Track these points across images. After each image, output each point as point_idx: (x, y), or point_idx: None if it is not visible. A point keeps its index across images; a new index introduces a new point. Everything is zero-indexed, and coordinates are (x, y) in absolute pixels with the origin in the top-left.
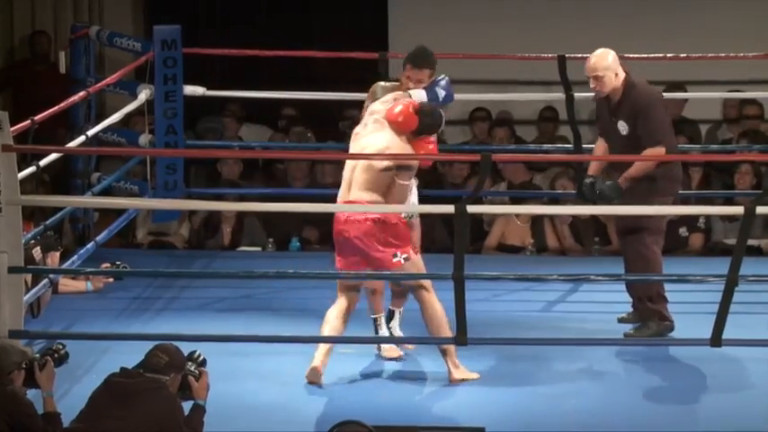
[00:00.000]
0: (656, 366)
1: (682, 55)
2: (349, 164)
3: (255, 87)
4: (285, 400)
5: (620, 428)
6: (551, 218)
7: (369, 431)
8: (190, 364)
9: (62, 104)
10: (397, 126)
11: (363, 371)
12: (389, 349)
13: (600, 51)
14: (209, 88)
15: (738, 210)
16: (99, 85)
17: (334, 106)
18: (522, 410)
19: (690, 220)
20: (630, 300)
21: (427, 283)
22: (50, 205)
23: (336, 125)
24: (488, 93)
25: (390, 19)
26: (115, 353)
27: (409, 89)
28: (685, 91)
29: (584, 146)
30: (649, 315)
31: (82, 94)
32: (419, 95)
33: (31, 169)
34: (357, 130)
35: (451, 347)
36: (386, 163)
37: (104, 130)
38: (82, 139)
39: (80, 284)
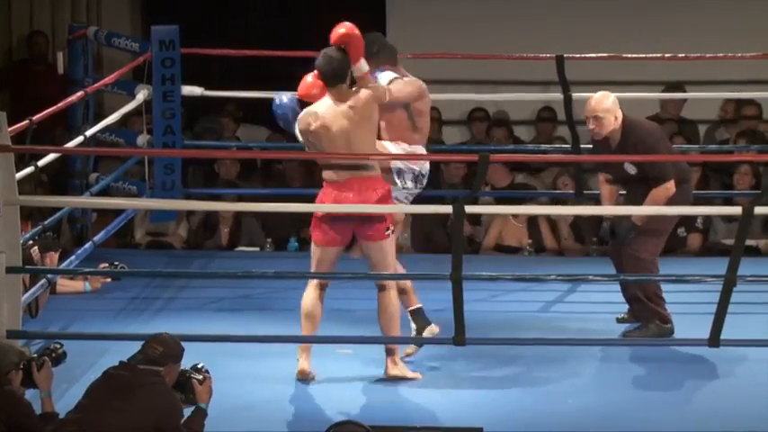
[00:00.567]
0: (655, 366)
1: (680, 55)
2: (328, 137)
3: (253, 87)
4: (283, 400)
5: (618, 428)
6: (549, 217)
7: (366, 431)
8: (194, 371)
9: (60, 105)
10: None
11: (362, 371)
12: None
13: (600, 94)
14: (207, 88)
15: (737, 210)
16: (97, 85)
17: None
18: (520, 410)
19: (688, 221)
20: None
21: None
22: (48, 205)
23: None
24: (486, 93)
25: (388, 19)
26: (113, 353)
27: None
28: (684, 91)
29: (582, 146)
30: (649, 316)
31: (80, 94)
32: (385, 76)
33: (30, 169)
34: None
35: (396, 347)
36: (375, 108)
37: (102, 131)
38: (80, 139)
39: (78, 285)
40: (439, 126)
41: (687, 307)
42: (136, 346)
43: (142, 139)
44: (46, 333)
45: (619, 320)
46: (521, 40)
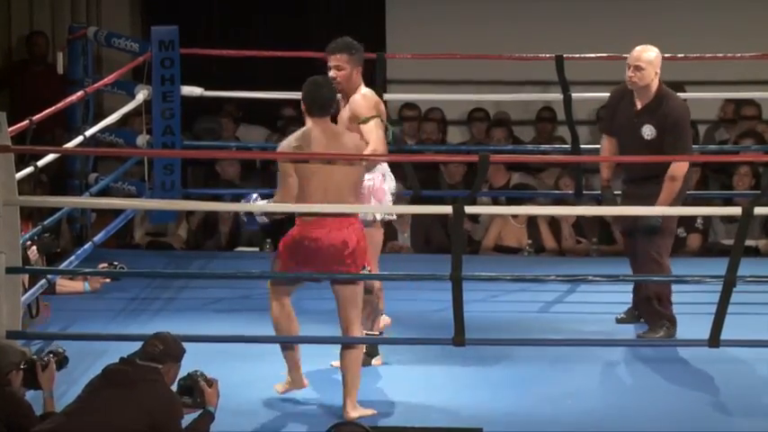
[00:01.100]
0: (654, 367)
1: (680, 55)
2: (323, 172)
3: (253, 88)
4: (283, 401)
5: (618, 429)
6: (549, 218)
7: (366, 431)
8: (202, 375)
9: (60, 105)
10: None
11: (362, 371)
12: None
13: (647, 45)
14: (206, 89)
15: (736, 210)
16: (96, 85)
17: None
18: (520, 411)
19: (688, 221)
20: (630, 301)
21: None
22: (48, 206)
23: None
24: (486, 93)
25: (388, 20)
26: (113, 353)
27: (331, 78)
28: (684, 91)
29: (581, 146)
30: (659, 317)
31: (79, 94)
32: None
33: (29, 170)
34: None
35: (356, 389)
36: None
37: (102, 131)
38: (80, 139)
39: (78, 285)
40: (444, 126)
41: (687, 307)
42: (135, 347)
43: (142, 139)
44: (46, 334)
45: (618, 321)
46: (520, 40)
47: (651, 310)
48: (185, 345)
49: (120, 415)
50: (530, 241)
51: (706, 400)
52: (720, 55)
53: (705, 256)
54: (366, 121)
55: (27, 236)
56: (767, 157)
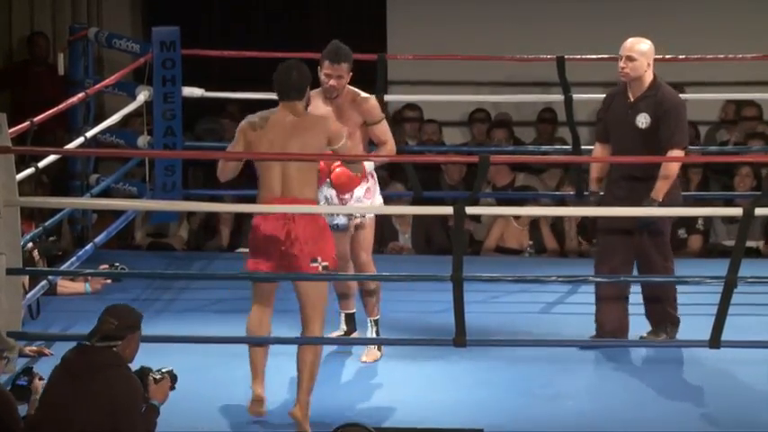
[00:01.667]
0: (655, 368)
1: (681, 56)
2: (274, 164)
3: (254, 89)
4: (285, 402)
5: (618, 429)
6: (551, 219)
7: None
8: (154, 372)
9: (61, 106)
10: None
11: (362, 372)
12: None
13: (639, 37)
14: (207, 90)
15: (737, 211)
16: (98, 86)
17: None
18: (521, 412)
19: (689, 222)
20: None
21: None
22: (49, 207)
23: None
24: (487, 94)
25: (389, 20)
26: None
27: (330, 88)
28: (684, 92)
29: (582, 147)
30: (664, 319)
31: (80, 95)
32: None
33: (30, 171)
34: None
35: (312, 387)
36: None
37: (103, 132)
38: (80, 140)
39: (78, 286)
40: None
41: (688, 308)
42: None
43: (143, 140)
44: (46, 334)
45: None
46: (521, 41)
47: (659, 310)
48: (186, 346)
49: (80, 411)
50: (531, 242)
51: (707, 400)
52: (722, 56)
53: (706, 257)
54: (380, 121)
55: (28, 237)
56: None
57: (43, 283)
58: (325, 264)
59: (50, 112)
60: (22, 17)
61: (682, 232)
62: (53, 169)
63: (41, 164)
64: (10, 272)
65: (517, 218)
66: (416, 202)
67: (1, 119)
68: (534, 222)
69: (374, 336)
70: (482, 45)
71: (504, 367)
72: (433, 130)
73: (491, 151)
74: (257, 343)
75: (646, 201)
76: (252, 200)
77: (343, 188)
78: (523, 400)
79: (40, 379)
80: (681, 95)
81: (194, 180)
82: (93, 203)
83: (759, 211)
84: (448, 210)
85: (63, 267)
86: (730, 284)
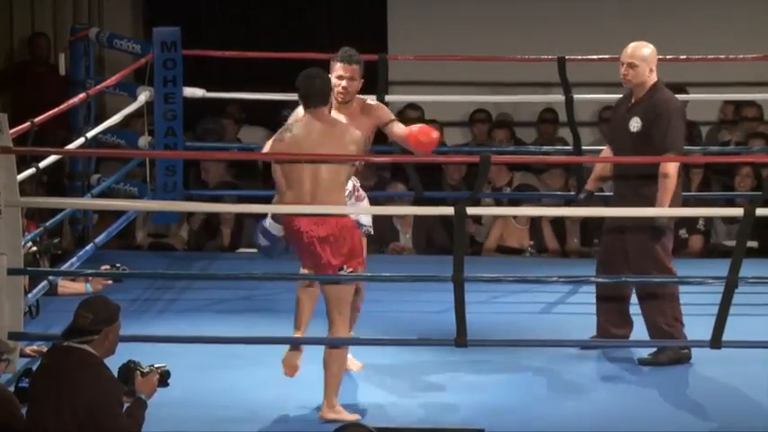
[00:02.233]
0: (656, 368)
1: (682, 56)
2: (303, 169)
3: (255, 89)
4: (286, 402)
5: (619, 429)
6: (553, 219)
7: None
8: (140, 365)
9: (62, 106)
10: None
11: (362, 372)
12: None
13: (641, 42)
14: (208, 90)
15: (738, 212)
16: (98, 86)
17: None
18: (522, 412)
19: (689, 222)
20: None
21: (347, 308)
22: (50, 207)
23: None
24: (488, 94)
25: (390, 21)
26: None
27: (342, 90)
28: (686, 93)
29: (583, 147)
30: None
31: (81, 95)
32: None
33: (31, 171)
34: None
35: (333, 388)
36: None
37: (104, 132)
38: (81, 140)
39: (79, 286)
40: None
41: (689, 308)
42: (136, 348)
43: (143, 140)
44: (47, 335)
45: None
46: (522, 41)
47: (659, 334)
48: (187, 346)
49: (58, 415)
50: (532, 242)
51: (707, 400)
52: (723, 56)
53: (707, 258)
54: (395, 119)
55: (29, 237)
56: None
57: (44, 283)
58: (349, 270)
59: (51, 112)
60: (23, 18)
61: (683, 232)
62: (54, 169)
63: (42, 164)
64: (11, 272)
65: (517, 218)
66: (417, 202)
67: (2, 119)
68: (535, 222)
69: None
70: (483, 45)
71: (505, 367)
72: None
73: (492, 151)
74: (259, 342)
75: (657, 220)
76: (252, 200)
77: (423, 146)
78: (524, 400)
79: None
80: (681, 96)
81: (195, 180)
82: (93, 204)
83: (760, 212)
84: (449, 210)
85: (64, 267)
86: (731, 285)
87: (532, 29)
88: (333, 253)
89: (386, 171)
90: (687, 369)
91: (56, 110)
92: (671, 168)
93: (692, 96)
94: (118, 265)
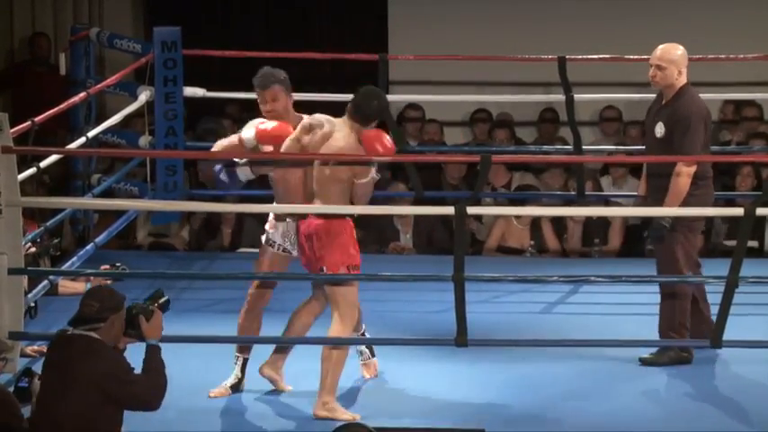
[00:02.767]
0: (656, 368)
1: None
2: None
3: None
4: (286, 402)
5: (619, 429)
6: (554, 219)
7: None
8: (149, 304)
9: (62, 106)
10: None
11: (362, 372)
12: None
13: (671, 44)
14: (209, 90)
15: (738, 211)
16: (99, 86)
17: (333, 108)
18: (522, 412)
19: None
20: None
21: (352, 307)
22: (50, 207)
23: None
24: (488, 94)
25: (390, 21)
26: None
27: (268, 114)
28: None
29: (583, 147)
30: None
31: (82, 95)
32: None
33: (32, 170)
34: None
35: (328, 387)
36: (345, 170)
37: (104, 132)
38: (82, 140)
39: (80, 286)
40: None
41: None
42: (136, 348)
43: (144, 140)
44: (47, 334)
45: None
46: (522, 41)
47: (667, 337)
48: (187, 346)
49: (71, 402)
50: (532, 242)
51: (708, 400)
52: (723, 56)
53: (707, 257)
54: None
55: (30, 236)
56: None
57: (44, 282)
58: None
59: (52, 112)
60: (24, 17)
61: None
62: (55, 169)
63: (43, 164)
64: (11, 272)
65: (518, 217)
66: (418, 201)
67: (2, 118)
68: (535, 222)
69: None
70: (483, 45)
71: (506, 367)
72: (434, 129)
73: (492, 151)
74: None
75: (656, 221)
76: (252, 200)
77: (268, 138)
78: (525, 399)
79: (39, 379)
80: None
81: (195, 180)
82: (94, 203)
83: (760, 212)
84: (449, 210)
85: (64, 267)
86: (732, 284)
87: (533, 29)
88: (320, 253)
89: (386, 171)
90: (688, 369)
91: (56, 109)
92: (684, 168)
93: None
94: (118, 264)
